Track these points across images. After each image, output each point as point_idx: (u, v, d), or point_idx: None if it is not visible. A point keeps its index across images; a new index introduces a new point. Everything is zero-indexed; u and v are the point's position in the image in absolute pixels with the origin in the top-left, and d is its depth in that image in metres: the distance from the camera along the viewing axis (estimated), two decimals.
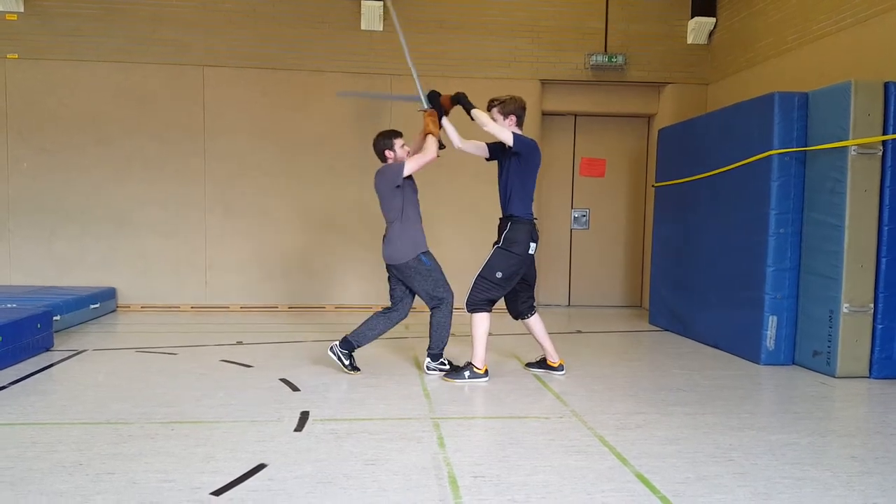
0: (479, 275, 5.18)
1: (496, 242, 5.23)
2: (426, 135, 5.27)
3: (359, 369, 5.41)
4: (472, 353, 5.27)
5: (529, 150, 5.12)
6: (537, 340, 5.56)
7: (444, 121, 5.39)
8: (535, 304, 5.54)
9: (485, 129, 5.06)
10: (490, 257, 5.19)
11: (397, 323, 5.45)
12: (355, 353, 5.45)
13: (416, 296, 5.45)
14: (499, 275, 5.12)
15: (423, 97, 5.39)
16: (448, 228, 8.80)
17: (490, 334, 7.25)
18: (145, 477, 3.25)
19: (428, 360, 5.53)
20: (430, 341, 5.48)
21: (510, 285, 5.24)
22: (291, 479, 3.24)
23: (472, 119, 5.16)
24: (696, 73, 9.34)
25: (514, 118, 5.18)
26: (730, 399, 4.90)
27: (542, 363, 5.64)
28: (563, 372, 5.52)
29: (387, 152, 5.34)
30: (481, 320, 5.21)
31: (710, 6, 9.07)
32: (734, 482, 3.31)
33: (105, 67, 8.59)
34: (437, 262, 5.38)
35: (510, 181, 5.17)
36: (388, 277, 5.45)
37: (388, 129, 5.48)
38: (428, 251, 5.34)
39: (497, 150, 5.34)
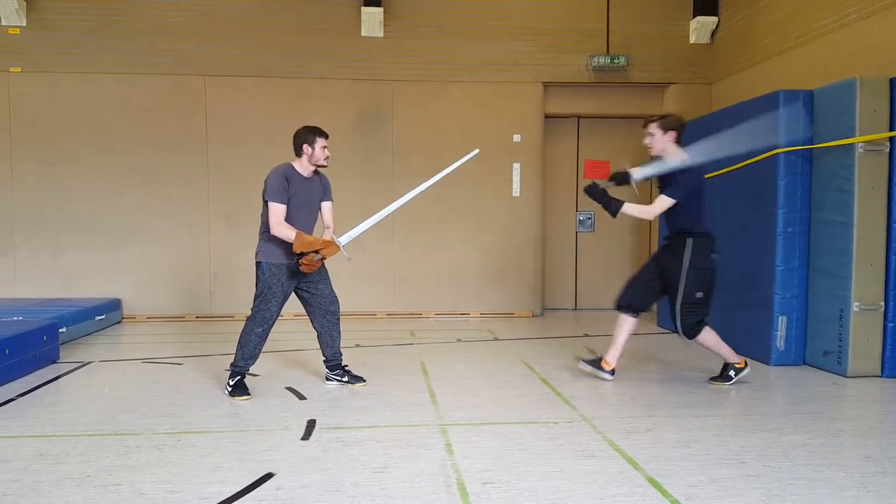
0: (680, 302, 5.07)
1: (677, 262, 5.07)
2: (321, 249, 5.15)
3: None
4: (723, 357, 5.25)
5: (691, 187, 5.00)
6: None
7: (626, 206, 5.08)
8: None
9: (645, 217, 5.12)
10: (685, 281, 5.03)
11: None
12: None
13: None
14: (699, 295, 5.05)
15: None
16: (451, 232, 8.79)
17: (496, 339, 7.21)
18: (153, 488, 3.23)
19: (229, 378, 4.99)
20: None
21: (710, 299, 5.12)
22: (299, 488, 3.22)
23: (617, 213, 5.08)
24: (700, 73, 9.30)
25: (674, 134, 5.14)
26: (741, 400, 4.86)
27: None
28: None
29: (305, 146, 4.99)
30: (706, 335, 5.13)
31: (712, 5, 9.02)
32: (747, 484, 3.27)
33: (107, 79, 8.60)
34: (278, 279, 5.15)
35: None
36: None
37: (318, 126, 5.12)
38: (276, 262, 5.19)
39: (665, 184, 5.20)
